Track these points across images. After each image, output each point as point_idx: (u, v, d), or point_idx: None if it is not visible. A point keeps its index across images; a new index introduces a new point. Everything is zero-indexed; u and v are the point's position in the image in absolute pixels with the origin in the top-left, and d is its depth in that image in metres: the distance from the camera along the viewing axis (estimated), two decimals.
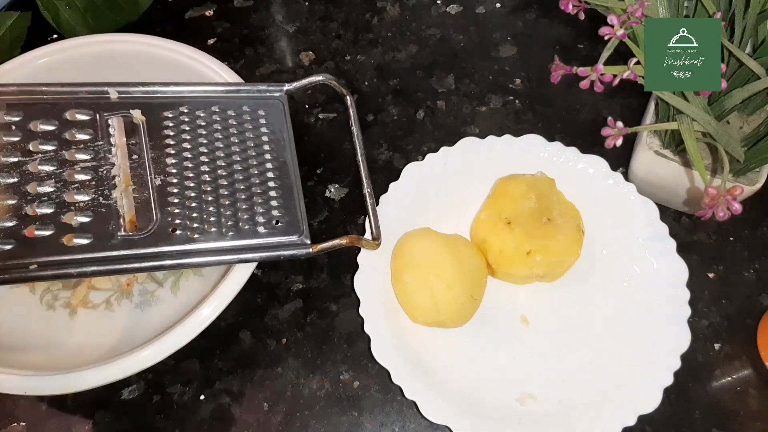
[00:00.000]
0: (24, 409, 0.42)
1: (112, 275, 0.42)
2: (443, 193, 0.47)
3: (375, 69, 0.56)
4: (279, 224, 0.39)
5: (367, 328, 0.41)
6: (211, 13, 0.60)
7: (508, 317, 0.44)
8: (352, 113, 0.45)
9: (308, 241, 0.39)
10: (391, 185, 0.46)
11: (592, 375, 0.42)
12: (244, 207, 0.39)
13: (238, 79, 0.45)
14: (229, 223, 0.38)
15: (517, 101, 0.54)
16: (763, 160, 0.41)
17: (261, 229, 0.38)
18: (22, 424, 0.41)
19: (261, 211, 0.39)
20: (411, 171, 0.47)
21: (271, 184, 0.40)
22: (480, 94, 0.55)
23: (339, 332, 0.45)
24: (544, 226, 0.43)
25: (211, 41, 0.58)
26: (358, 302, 0.42)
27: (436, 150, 0.48)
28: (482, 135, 0.48)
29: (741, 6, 0.38)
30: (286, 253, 0.38)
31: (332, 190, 0.50)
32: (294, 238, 0.39)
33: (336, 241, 0.39)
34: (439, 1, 0.60)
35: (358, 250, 0.43)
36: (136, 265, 0.36)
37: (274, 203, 0.39)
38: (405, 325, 0.43)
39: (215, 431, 0.41)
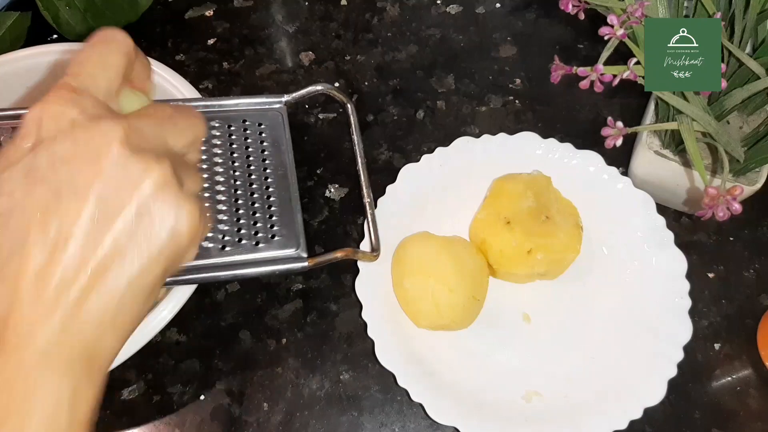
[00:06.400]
0: None
1: None
2: (441, 194, 0.47)
3: (375, 69, 0.56)
4: (276, 238, 0.38)
5: (370, 332, 0.41)
6: (211, 13, 0.60)
7: (510, 316, 0.44)
8: (353, 121, 0.44)
9: (305, 255, 0.38)
10: (389, 188, 0.46)
11: (596, 370, 0.42)
12: (242, 222, 0.38)
13: (197, 94, 0.44)
14: (227, 238, 0.38)
15: (517, 101, 0.54)
16: (763, 160, 0.41)
17: (258, 244, 0.38)
18: None
19: (259, 225, 0.39)
20: (407, 173, 0.47)
21: (270, 198, 0.40)
22: (480, 94, 0.55)
23: (339, 332, 0.45)
24: (543, 224, 0.43)
25: (211, 41, 0.58)
26: (359, 302, 0.42)
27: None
28: (482, 135, 0.48)
29: (741, 6, 0.38)
30: (281, 267, 0.38)
31: (332, 190, 0.50)
32: (290, 251, 0.38)
33: (332, 255, 0.39)
34: (439, 1, 0.60)
35: None
36: None
37: (271, 217, 0.39)
38: (408, 328, 0.43)
39: (215, 431, 0.42)
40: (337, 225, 0.49)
